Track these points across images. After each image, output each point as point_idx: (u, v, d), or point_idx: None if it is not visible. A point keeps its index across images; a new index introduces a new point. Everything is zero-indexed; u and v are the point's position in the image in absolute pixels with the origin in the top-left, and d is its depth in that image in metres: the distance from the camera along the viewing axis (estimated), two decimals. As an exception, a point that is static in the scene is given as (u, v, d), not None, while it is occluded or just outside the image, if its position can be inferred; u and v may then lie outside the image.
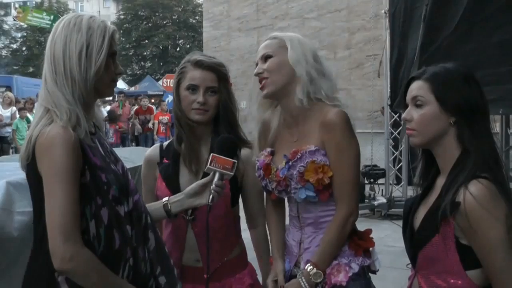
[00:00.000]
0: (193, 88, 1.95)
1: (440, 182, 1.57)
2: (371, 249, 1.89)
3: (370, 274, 1.90)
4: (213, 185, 1.74)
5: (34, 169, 1.47)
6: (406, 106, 1.62)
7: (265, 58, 1.87)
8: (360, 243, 1.86)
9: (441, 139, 1.55)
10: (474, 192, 1.43)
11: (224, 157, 1.74)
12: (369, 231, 1.92)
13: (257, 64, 1.91)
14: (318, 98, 1.84)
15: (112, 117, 12.36)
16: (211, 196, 1.74)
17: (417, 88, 1.58)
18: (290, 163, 1.82)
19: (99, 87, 1.55)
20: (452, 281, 1.50)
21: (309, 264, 1.80)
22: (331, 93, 1.86)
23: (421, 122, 1.56)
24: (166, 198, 1.83)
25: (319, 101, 1.85)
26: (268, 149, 1.95)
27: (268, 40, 1.92)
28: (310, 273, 1.79)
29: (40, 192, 1.46)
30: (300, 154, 1.81)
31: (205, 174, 1.89)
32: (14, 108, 11.24)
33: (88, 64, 1.51)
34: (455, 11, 3.11)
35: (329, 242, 1.82)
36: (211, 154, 1.75)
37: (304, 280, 1.80)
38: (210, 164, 1.73)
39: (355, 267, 1.82)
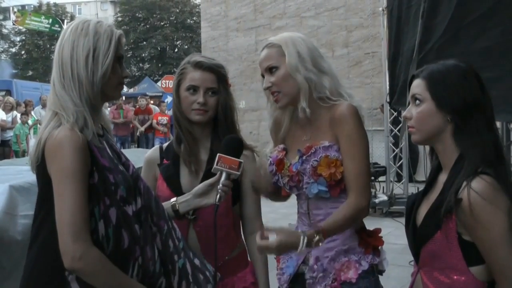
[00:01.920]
0: (193, 89, 1.97)
1: (442, 178, 1.58)
2: (380, 247, 1.90)
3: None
4: (220, 185, 1.76)
5: (43, 171, 1.50)
6: (409, 104, 1.64)
7: (270, 70, 1.88)
8: (370, 240, 1.87)
9: (440, 136, 1.56)
10: (476, 188, 1.43)
11: (231, 157, 1.76)
12: (378, 230, 1.93)
13: (263, 76, 1.92)
14: (324, 98, 1.86)
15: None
16: (218, 196, 1.76)
17: (415, 86, 1.60)
18: (304, 158, 1.84)
19: (106, 90, 1.59)
20: (455, 277, 1.50)
21: (317, 230, 1.72)
22: (334, 89, 1.87)
23: (418, 119, 1.58)
24: (174, 199, 1.86)
25: (325, 100, 1.86)
26: (281, 146, 1.98)
27: (266, 49, 1.91)
28: (315, 238, 1.70)
29: (48, 193, 1.49)
30: (314, 149, 1.83)
31: (206, 174, 1.91)
32: (15, 113, 11.36)
33: (94, 67, 1.54)
34: (446, 13, 3.12)
35: (344, 216, 1.76)
36: (218, 154, 1.76)
37: (305, 240, 1.70)
38: (216, 164, 1.75)
39: (365, 265, 1.83)
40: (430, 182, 1.65)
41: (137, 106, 13.76)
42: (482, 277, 1.49)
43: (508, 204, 1.44)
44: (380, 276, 1.93)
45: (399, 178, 8.18)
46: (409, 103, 1.64)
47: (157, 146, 2.17)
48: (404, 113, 1.64)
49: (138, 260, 1.54)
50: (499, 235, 1.42)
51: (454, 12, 3.05)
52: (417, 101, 1.58)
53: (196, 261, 1.72)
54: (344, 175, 1.81)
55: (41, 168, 1.51)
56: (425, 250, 1.56)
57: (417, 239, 1.59)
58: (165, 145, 2.13)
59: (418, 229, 1.59)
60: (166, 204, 1.84)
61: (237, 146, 1.82)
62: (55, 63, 1.57)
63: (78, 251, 1.41)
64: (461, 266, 1.49)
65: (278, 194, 2.07)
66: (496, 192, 1.43)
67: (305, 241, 1.72)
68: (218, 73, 1.99)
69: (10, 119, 11.23)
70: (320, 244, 1.75)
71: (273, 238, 1.67)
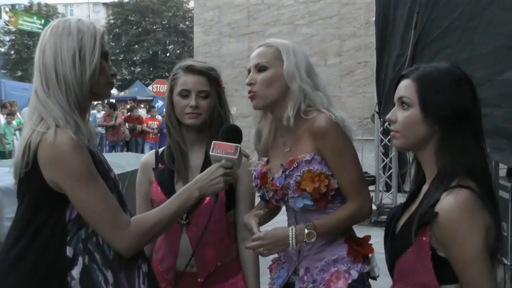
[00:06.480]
0: (185, 93, 1.96)
1: (425, 189, 1.50)
2: (370, 255, 1.88)
3: (370, 281, 1.90)
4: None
5: (36, 177, 1.42)
6: (393, 104, 1.52)
7: (259, 68, 1.84)
8: (359, 249, 1.85)
9: (426, 145, 1.46)
10: (452, 202, 1.34)
11: (226, 143, 1.67)
12: (367, 238, 1.92)
13: (249, 71, 1.88)
14: (307, 111, 1.82)
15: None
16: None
17: (404, 87, 1.47)
18: (287, 173, 1.81)
19: (95, 90, 1.52)
20: None
21: (308, 224, 1.77)
22: (326, 107, 1.82)
23: (404, 125, 1.46)
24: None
25: (308, 112, 1.82)
26: (265, 159, 1.95)
27: (263, 47, 1.87)
28: (305, 230, 1.75)
29: (43, 199, 1.43)
30: (296, 164, 1.79)
31: None
32: None
33: (82, 67, 1.47)
34: (419, 28, 3.20)
35: (338, 218, 1.80)
36: (213, 142, 1.68)
37: (294, 231, 1.76)
38: (212, 151, 1.66)
39: (354, 274, 1.82)
40: (413, 193, 1.57)
41: (128, 114, 13.69)
42: None
43: (487, 221, 1.35)
44: (372, 282, 1.91)
45: (388, 187, 8.20)
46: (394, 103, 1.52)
47: (153, 150, 2.16)
48: (388, 115, 1.50)
49: (141, 268, 1.53)
50: (473, 252, 1.33)
51: (424, 27, 3.14)
52: (405, 105, 1.46)
53: None
54: (340, 186, 1.79)
55: (32, 173, 1.42)
56: (399, 265, 1.48)
57: (392, 253, 1.52)
58: (160, 149, 2.12)
59: (393, 242, 1.52)
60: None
61: (232, 132, 1.73)
62: (36, 69, 1.48)
63: (125, 240, 1.44)
64: (433, 284, 1.40)
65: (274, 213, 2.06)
66: (473, 207, 1.34)
67: (294, 232, 1.74)
68: (209, 76, 1.99)
69: None
70: (313, 239, 1.74)
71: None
